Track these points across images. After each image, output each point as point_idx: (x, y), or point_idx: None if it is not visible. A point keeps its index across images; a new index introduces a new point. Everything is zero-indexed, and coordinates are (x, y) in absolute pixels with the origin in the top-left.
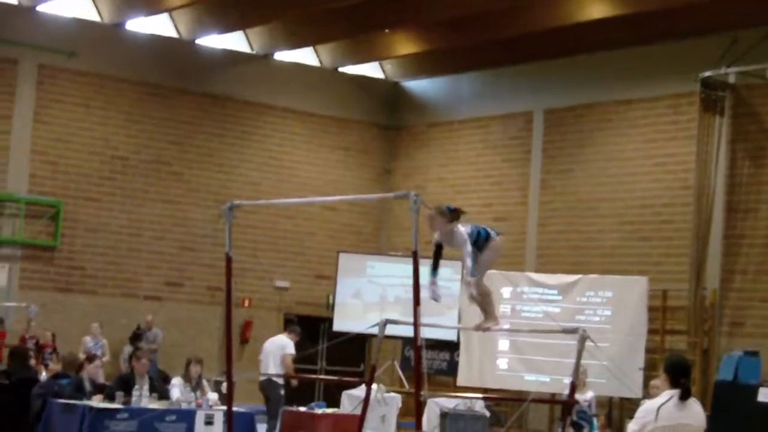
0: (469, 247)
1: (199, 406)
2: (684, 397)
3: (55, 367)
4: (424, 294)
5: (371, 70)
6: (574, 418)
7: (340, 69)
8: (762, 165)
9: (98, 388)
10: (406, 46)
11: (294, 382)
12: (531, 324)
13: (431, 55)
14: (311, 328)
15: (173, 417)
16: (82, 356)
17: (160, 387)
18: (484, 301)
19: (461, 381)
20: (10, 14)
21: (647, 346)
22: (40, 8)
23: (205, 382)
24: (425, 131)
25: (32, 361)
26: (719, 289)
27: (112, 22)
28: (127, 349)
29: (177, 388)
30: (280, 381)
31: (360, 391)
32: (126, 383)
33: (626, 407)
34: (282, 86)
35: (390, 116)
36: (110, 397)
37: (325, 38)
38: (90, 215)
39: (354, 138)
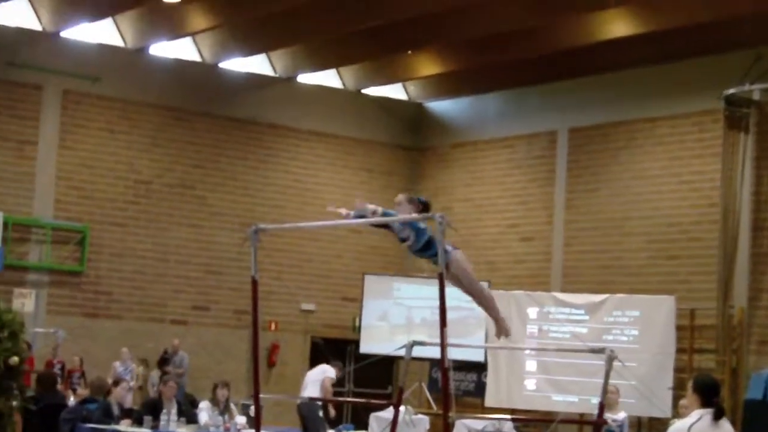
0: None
1: (227, 429)
2: (718, 416)
3: (83, 391)
4: (451, 315)
5: (394, 91)
6: None
7: (364, 91)
8: None
9: (126, 413)
10: (428, 66)
11: (332, 411)
12: (558, 344)
13: (454, 75)
14: (338, 350)
15: None
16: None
17: (188, 411)
18: (484, 306)
19: (489, 402)
20: (35, 40)
21: (676, 366)
22: (64, 34)
23: (232, 406)
24: (449, 152)
25: (60, 386)
26: (747, 307)
27: (136, 46)
28: (155, 373)
29: (205, 412)
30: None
31: (388, 413)
32: (154, 407)
33: (655, 427)
34: (305, 109)
35: (414, 137)
36: (138, 422)
37: (348, 60)
38: (115, 240)
39: (378, 159)
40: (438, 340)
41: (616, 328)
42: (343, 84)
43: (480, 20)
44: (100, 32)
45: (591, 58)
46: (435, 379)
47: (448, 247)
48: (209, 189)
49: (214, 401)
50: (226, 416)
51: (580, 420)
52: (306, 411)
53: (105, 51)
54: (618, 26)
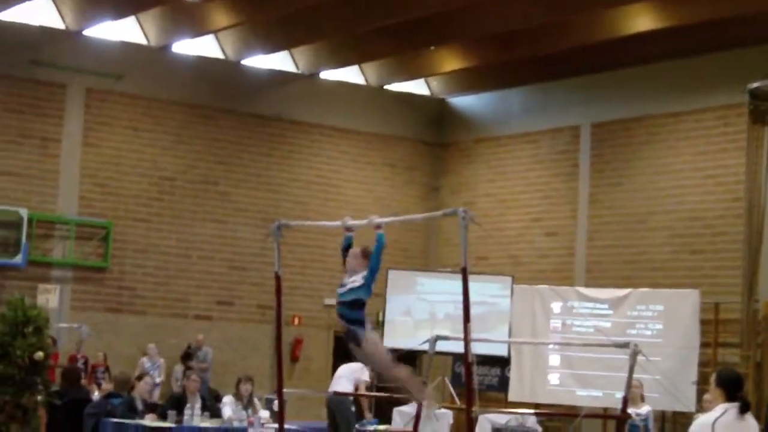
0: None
1: (250, 424)
2: (744, 410)
3: (108, 386)
4: (475, 310)
5: (417, 87)
6: None
7: (386, 87)
8: None
9: (150, 407)
10: (451, 62)
11: (369, 414)
12: (582, 339)
13: (477, 70)
14: None
15: None
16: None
17: (211, 406)
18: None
19: (512, 396)
20: (58, 39)
21: (700, 360)
22: (87, 32)
23: (256, 400)
24: (472, 147)
25: (84, 381)
26: None
27: (159, 44)
28: (179, 368)
29: (228, 407)
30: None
31: (411, 408)
32: (178, 402)
33: (679, 422)
34: (328, 105)
35: (437, 133)
36: (162, 416)
37: (371, 56)
38: (139, 236)
39: (401, 155)
40: (461, 335)
41: (640, 323)
42: (366, 80)
43: (503, 15)
44: (123, 30)
45: (614, 52)
46: (458, 374)
47: (368, 325)
48: (232, 185)
49: (238, 396)
50: (250, 411)
51: (604, 414)
52: (336, 405)
53: (128, 49)
54: (641, 21)
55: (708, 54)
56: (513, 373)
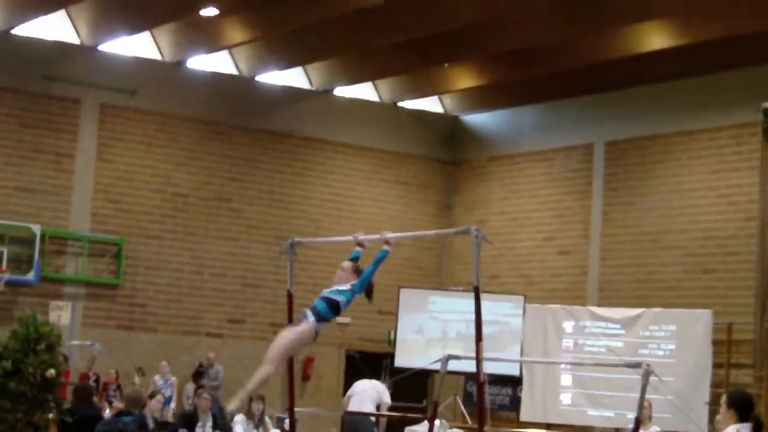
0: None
1: None
2: (757, 430)
3: (119, 404)
4: (487, 329)
5: (431, 104)
6: None
7: (400, 104)
8: None
9: (161, 426)
10: (465, 79)
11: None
12: (594, 358)
13: (491, 88)
14: (373, 364)
15: None
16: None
17: (223, 424)
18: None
19: (524, 416)
20: (72, 54)
21: (712, 381)
22: (101, 48)
23: (267, 419)
24: (486, 165)
25: (95, 399)
26: None
27: (173, 60)
28: (190, 386)
29: (240, 425)
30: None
31: (423, 427)
32: (189, 420)
33: None
34: (342, 122)
35: (450, 150)
36: None
37: (384, 73)
38: (152, 253)
39: (414, 173)
40: (473, 354)
41: (652, 343)
42: (380, 97)
43: (516, 33)
44: (138, 46)
45: (628, 70)
46: (470, 393)
47: (322, 324)
48: (246, 202)
49: (249, 414)
50: (261, 429)
51: None
52: (359, 425)
53: (142, 64)
54: (655, 39)
55: (722, 72)
56: (525, 393)
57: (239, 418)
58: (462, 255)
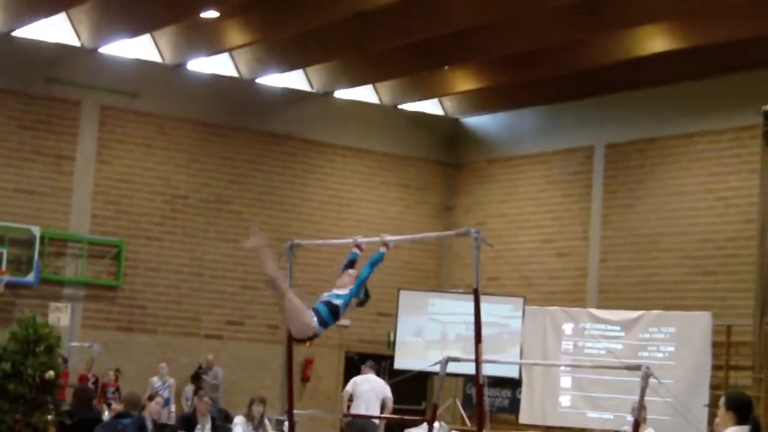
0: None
1: None
2: None
3: (118, 406)
4: (486, 331)
5: (431, 106)
6: None
7: (400, 106)
8: None
9: (160, 428)
10: (465, 82)
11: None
12: (593, 361)
13: (491, 91)
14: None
15: None
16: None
17: (222, 426)
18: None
19: (523, 418)
20: (73, 56)
21: (711, 383)
22: (102, 50)
23: (266, 422)
24: (485, 167)
25: (95, 401)
26: None
27: (173, 62)
28: (189, 388)
29: (239, 427)
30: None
31: (422, 430)
32: (188, 422)
33: None
34: (342, 124)
35: (450, 153)
36: None
37: (385, 76)
38: (151, 254)
39: (414, 175)
40: (473, 356)
41: (651, 345)
42: (380, 99)
43: (516, 36)
44: (138, 48)
45: (628, 73)
46: (469, 395)
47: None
48: (245, 204)
49: (249, 417)
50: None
51: None
52: (367, 428)
53: (143, 67)
54: (655, 42)
55: (722, 75)
56: (524, 395)
57: (239, 420)
58: (461, 257)
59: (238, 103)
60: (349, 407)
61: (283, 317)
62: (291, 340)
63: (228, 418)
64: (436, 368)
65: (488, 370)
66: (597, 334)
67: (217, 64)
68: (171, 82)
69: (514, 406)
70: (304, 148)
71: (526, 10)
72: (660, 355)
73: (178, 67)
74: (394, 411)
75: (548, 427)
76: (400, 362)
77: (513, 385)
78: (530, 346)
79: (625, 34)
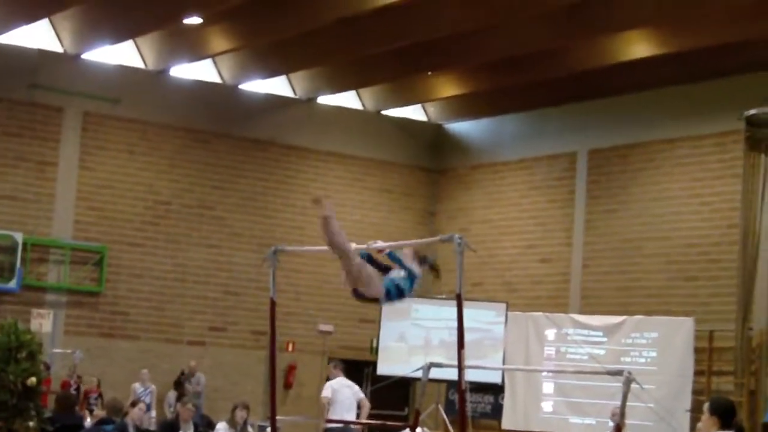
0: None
1: None
2: None
3: (100, 412)
4: (469, 337)
5: (414, 112)
6: None
7: (383, 112)
8: None
9: None
10: (448, 88)
11: None
12: (576, 366)
13: (474, 97)
14: (355, 371)
15: None
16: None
17: None
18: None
19: (506, 424)
20: (56, 62)
21: (694, 388)
22: (85, 56)
23: (250, 428)
24: (469, 173)
25: (77, 407)
26: (766, 330)
27: (156, 68)
28: (171, 394)
29: None
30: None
31: None
32: (170, 429)
33: None
34: (325, 130)
35: (433, 159)
36: None
37: (368, 82)
38: (134, 260)
39: (397, 181)
40: (455, 362)
41: (634, 350)
42: (363, 105)
43: (500, 42)
44: (121, 54)
45: (611, 79)
46: (452, 401)
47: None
48: (228, 210)
49: (232, 423)
50: None
51: None
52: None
53: (126, 73)
54: (638, 47)
55: (705, 81)
56: (506, 401)
57: (222, 426)
58: (445, 263)
59: (221, 109)
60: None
61: (350, 278)
62: (274, 346)
63: (211, 425)
64: (419, 374)
65: (471, 375)
66: (579, 339)
67: (200, 70)
68: (154, 88)
69: (497, 411)
70: (288, 154)
71: (509, 16)
72: (642, 360)
73: (161, 73)
74: (377, 417)
75: None
76: (383, 368)
77: (495, 390)
78: (513, 351)
79: (608, 39)
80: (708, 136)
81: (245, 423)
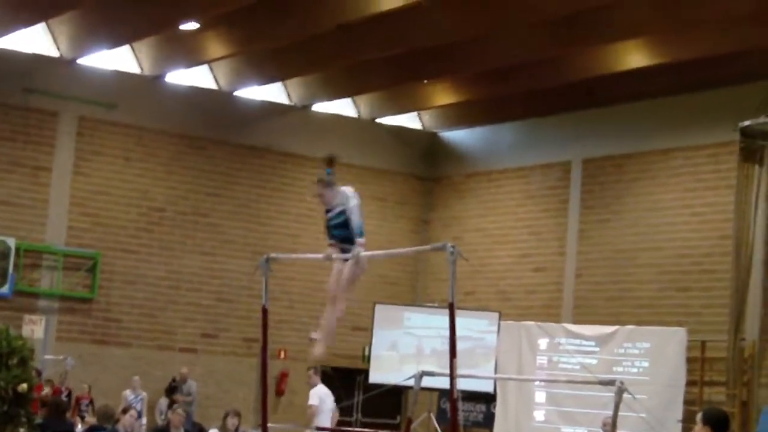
0: (355, 202)
1: None
2: None
3: (91, 419)
4: (461, 346)
5: (409, 120)
6: None
7: (378, 120)
8: None
9: None
10: (443, 96)
11: None
12: (568, 375)
13: (469, 105)
14: (347, 380)
15: None
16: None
17: None
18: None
19: None
20: (51, 67)
21: (686, 398)
22: (80, 61)
23: None
24: (463, 182)
25: (68, 414)
26: (758, 340)
27: (152, 74)
28: (163, 401)
29: None
30: None
31: None
32: None
33: None
34: (320, 137)
35: (428, 167)
36: None
37: (363, 89)
38: (127, 267)
39: (392, 189)
40: (447, 371)
41: (626, 360)
42: (358, 113)
43: (495, 51)
44: (117, 59)
45: (606, 89)
46: (444, 410)
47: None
48: (223, 217)
49: (224, 430)
50: None
51: None
52: None
53: (122, 78)
54: (633, 58)
55: (699, 91)
56: (498, 410)
57: None
58: (437, 271)
59: (217, 115)
60: None
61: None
62: (266, 354)
63: None
64: (411, 382)
65: (463, 384)
66: (572, 349)
67: (196, 76)
68: (149, 93)
69: (489, 420)
70: (283, 161)
71: (505, 25)
72: (634, 370)
73: (157, 78)
74: (369, 425)
75: None
76: (375, 376)
77: (487, 399)
78: (505, 360)
79: (603, 49)
80: (703, 146)
81: (236, 430)
